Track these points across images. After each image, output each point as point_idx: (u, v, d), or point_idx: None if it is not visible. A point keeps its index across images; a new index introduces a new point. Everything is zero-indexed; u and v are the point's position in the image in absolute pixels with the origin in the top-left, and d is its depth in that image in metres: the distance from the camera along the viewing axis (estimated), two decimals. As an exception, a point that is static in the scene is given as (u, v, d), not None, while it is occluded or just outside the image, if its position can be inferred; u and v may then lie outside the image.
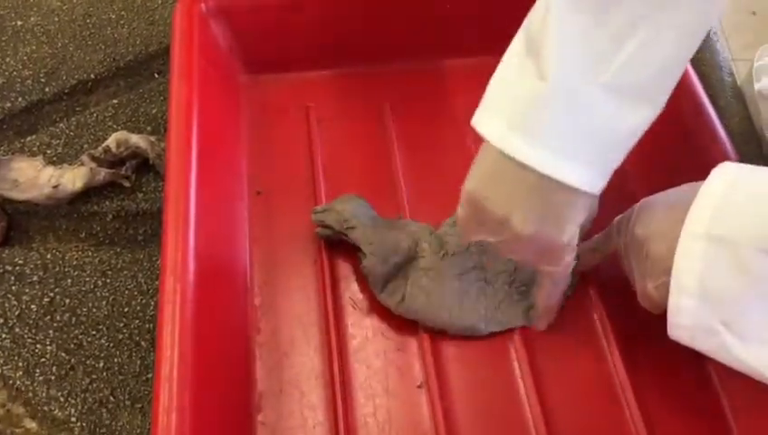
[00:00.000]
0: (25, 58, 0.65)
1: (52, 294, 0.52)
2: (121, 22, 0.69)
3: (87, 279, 0.53)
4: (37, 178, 0.55)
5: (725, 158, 0.49)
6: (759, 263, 0.34)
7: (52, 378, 0.49)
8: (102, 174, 0.56)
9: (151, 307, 0.52)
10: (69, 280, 0.53)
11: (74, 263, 0.54)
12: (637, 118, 0.40)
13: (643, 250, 0.40)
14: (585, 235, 0.48)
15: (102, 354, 0.50)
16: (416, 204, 0.54)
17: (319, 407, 0.45)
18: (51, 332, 0.50)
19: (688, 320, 0.37)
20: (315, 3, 0.58)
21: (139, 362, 0.49)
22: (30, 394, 0.48)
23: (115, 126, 0.61)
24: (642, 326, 0.45)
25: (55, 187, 0.55)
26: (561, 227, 0.40)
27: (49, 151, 0.59)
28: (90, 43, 0.67)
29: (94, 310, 0.51)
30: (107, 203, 0.57)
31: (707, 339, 0.37)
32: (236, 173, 0.55)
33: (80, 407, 0.47)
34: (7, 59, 0.65)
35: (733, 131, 0.50)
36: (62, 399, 0.48)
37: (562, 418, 0.46)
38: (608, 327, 0.49)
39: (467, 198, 0.42)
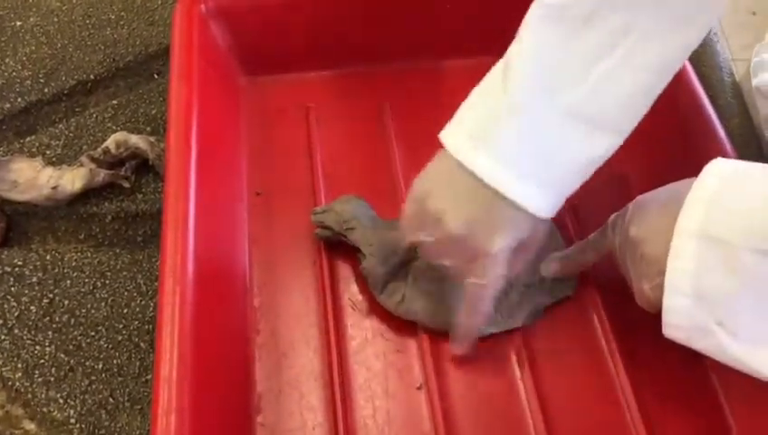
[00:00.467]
0: (25, 59, 0.65)
1: (51, 296, 0.52)
2: (121, 22, 0.69)
3: (86, 280, 0.53)
4: (36, 178, 0.55)
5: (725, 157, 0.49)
6: (752, 262, 0.34)
7: (52, 379, 0.48)
8: (102, 175, 0.56)
9: (151, 308, 0.52)
10: (68, 281, 0.53)
11: (73, 264, 0.54)
12: (597, 146, 0.39)
13: (638, 252, 0.40)
14: (543, 257, 0.48)
15: (102, 356, 0.50)
16: (415, 205, 0.54)
17: (318, 408, 0.45)
18: (50, 333, 0.50)
19: (683, 320, 0.37)
20: (314, 3, 0.58)
21: (138, 363, 0.49)
22: (29, 395, 0.48)
23: (114, 127, 0.61)
24: (642, 326, 0.45)
25: (54, 188, 0.55)
26: (491, 235, 0.40)
27: (48, 152, 0.59)
28: (89, 43, 0.67)
29: (93, 311, 0.51)
30: (106, 204, 0.57)
31: (702, 338, 0.37)
32: (236, 174, 0.55)
33: (79, 408, 0.47)
34: (6, 59, 0.65)
35: (732, 132, 0.50)
36: (61, 400, 0.48)
37: (562, 418, 0.45)
38: (607, 327, 0.49)
39: (412, 194, 0.43)
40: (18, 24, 0.68)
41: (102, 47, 0.66)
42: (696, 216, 0.36)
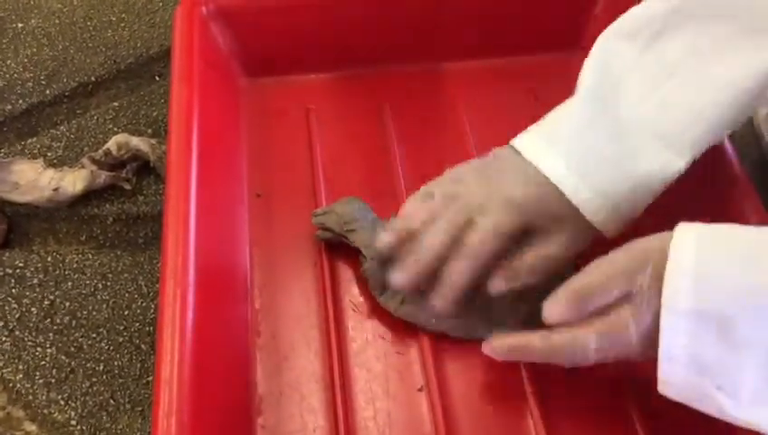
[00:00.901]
0: (26, 60, 0.66)
1: (52, 297, 0.52)
2: (122, 24, 0.69)
3: (87, 282, 0.53)
4: (37, 180, 0.55)
5: (724, 160, 0.49)
6: (746, 330, 0.33)
7: (53, 381, 0.49)
8: (103, 177, 0.56)
9: (152, 310, 0.52)
10: (69, 283, 0.53)
11: (74, 266, 0.54)
12: (654, 161, 0.40)
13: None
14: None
15: (102, 357, 0.50)
16: (416, 206, 0.54)
17: (319, 410, 0.45)
18: (51, 335, 0.50)
19: (681, 387, 0.36)
20: (315, 5, 0.58)
21: (139, 365, 0.49)
22: (30, 397, 0.48)
23: (116, 129, 0.61)
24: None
25: (56, 189, 0.55)
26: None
27: (49, 154, 0.60)
28: (90, 45, 0.67)
29: (94, 313, 0.51)
30: (107, 206, 0.57)
31: (701, 401, 0.36)
32: (236, 175, 0.55)
33: (80, 410, 0.47)
34: (8, 61, 0.65)
35: (732, 133, 0.50)
36: (62, 402, 0.48)
37: (564, 420, 0.45)
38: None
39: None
40: (19, 25, 0.68)
41: (103, 49, 0.67)
42: (683, 293, 0.34)
